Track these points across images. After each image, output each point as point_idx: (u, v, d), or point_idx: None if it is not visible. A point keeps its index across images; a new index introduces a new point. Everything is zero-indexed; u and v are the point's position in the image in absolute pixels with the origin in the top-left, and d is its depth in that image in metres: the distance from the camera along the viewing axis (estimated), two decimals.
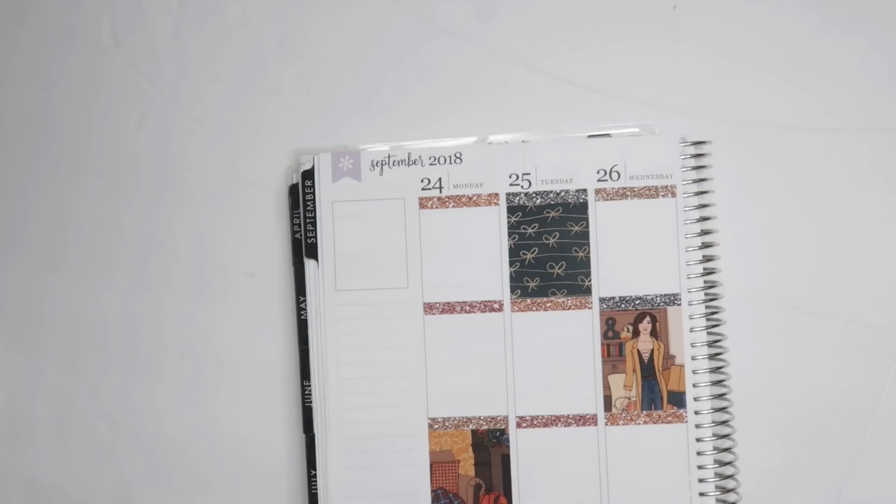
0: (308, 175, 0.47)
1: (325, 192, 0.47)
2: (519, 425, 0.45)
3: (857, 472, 0.46)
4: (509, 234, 0.46)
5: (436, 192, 0.46)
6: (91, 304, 0.50)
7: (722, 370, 0.45)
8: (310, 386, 0.47)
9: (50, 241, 0.51)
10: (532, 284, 0.46)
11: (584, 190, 0.45)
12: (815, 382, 0.46)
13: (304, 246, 0.47)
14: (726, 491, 0.44)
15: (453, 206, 0.46)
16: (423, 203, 0.46)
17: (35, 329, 0.51)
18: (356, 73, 0.49)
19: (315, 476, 0.46)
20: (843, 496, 0.46)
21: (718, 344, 0.45)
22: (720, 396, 0.45)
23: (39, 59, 0.51)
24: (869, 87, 0.47)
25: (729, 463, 0.44)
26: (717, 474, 0.44)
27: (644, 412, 0.45)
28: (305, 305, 0.47)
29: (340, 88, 0.49)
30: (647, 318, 0.45)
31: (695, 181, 0.45)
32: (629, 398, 0.45)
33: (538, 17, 0.48)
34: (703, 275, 0.45)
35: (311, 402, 0.47)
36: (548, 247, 0.46)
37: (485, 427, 0.46)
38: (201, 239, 0.49)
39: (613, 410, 0.45)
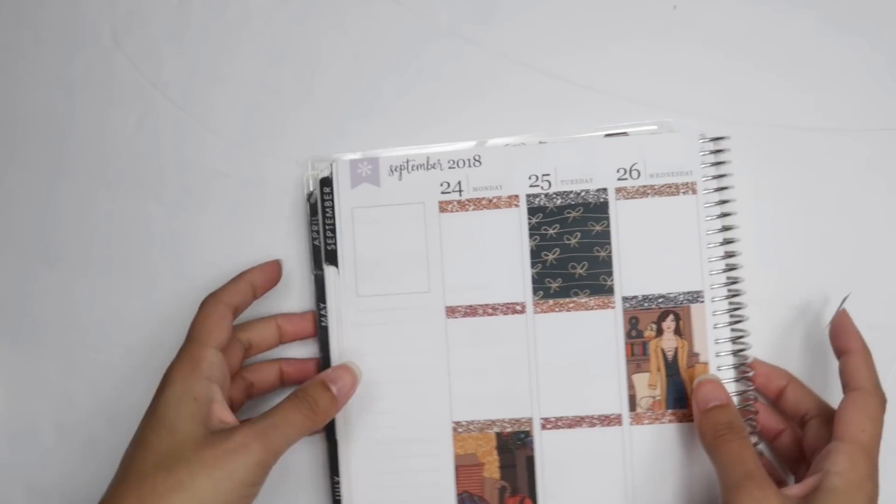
0: (326, 182, 0.47)
1: (345, 199, 0.46)
2: (543, 427, 0.45)
3: None
4: (530, 236, 0.46)
5: (455, 196, 0.46)
6: (91, 304, 0.50)
7: (745, 366, 0.45)
8: None
9: (50, 241, 0.51)
10: (554, 285, 0.45)
11: (605, 189, 0.45)
12: (815, 383, 0.45)
13: (323, 253, 0.47)
14: None
15: (473, 209, 0.46)
16: (443, 207, 0.46)
17: (35, 329, 0.51)
18: (356, 74, 0.49)
19: (338, 482, 0.46)
20: None
21: (741, 340, 0.45)
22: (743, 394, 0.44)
23: (39, 59, 0.51)
24: (868, 87, 0.47)
25: None
26: None
27: (669, 411, 0.45)
28: (326, 312, 0.47)
29: (341, 88, 0.49)
30: (671, 317, 0.45)
31: (714, 177, 0.45)
32: (654, 397, 0.45)
33: (539, 17, 0.48)
34: (725, 271, 0.45)
35: None
36: (569, 247, 0.45)
37: (509, 429, 0.45)
38: (202, 240, 0.49)
39: (638, 410, 0.45)
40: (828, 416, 0.42)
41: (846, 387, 0.41)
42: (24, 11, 0.52)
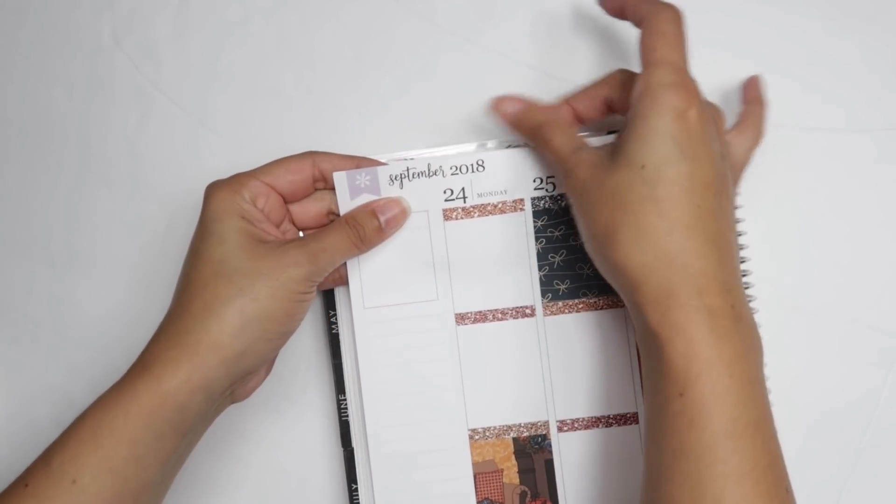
0: None
1: (345, 211, 0.45)
2: (560, 429, 0.45)
3: (857, 472, 0.46)
4: (536, 238, 0.45)
5: (460, 203, 0.45)
6: (92, 304, 0.50)
7: None
8: (345, 400, 0.46)
9: (50, 241, 0.51)
10: (562, 287, 0.45)
11: None
12: (815, 382, 0.46)
13: None
14: None
15: (478, 216, 0.45)
16: (448, 215, 0.45)
17: (35, 329, 0.50)
18: (356, 74, 0.49)
19: (356, 489, 0.46)
20: (843, 496, 0.46)
21: None
22: None
23: (40, 60, 0.51)
24: (871, 87, 0.46)
25: None
26: None
27: None
28: (336, 319, 0.46)
29: (341, 88, 0.49)
30: None
31: None
32: None
33: (538, 17, 0.48)
34: None
35: (347, 415, 0.46)
36: (576, 248, 0.45)
37: (526, 434, 0.45)
38: None
39: None
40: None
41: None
42: (24, 11, 0.51)
